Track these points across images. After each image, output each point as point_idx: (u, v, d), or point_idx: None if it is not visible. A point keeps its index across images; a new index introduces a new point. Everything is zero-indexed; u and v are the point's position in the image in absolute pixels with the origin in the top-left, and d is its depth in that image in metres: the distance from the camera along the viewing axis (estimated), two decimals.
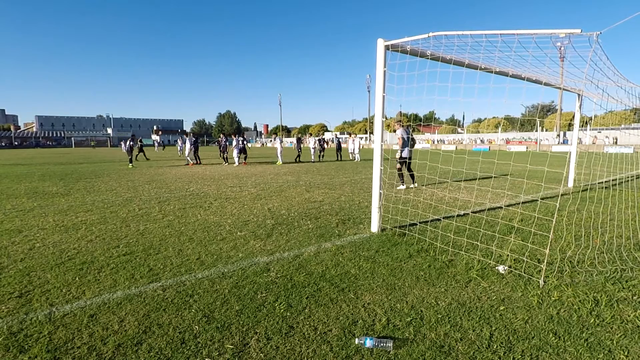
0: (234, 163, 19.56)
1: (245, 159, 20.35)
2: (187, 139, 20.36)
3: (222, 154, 20.99)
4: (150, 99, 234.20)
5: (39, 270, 3.91)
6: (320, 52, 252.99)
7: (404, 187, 9.70)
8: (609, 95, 5.96)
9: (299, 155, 22.32)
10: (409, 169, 9.94)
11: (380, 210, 5.33)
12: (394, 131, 10.34)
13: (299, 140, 23.64)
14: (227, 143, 20.76)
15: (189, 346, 2.54)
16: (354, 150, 24.16)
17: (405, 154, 9.66)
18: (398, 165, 9.81)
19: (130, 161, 19.56)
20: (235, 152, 19.56)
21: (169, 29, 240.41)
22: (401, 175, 9.87)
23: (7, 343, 2.58)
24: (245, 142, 20.70)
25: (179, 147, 28.45)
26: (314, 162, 21.85)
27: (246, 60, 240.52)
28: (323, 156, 24.45)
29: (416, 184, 10.05)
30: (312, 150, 23.49)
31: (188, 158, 19.95)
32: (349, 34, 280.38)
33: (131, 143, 19.63)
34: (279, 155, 20.69)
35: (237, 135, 20.41)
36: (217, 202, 7.98)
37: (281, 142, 21.45)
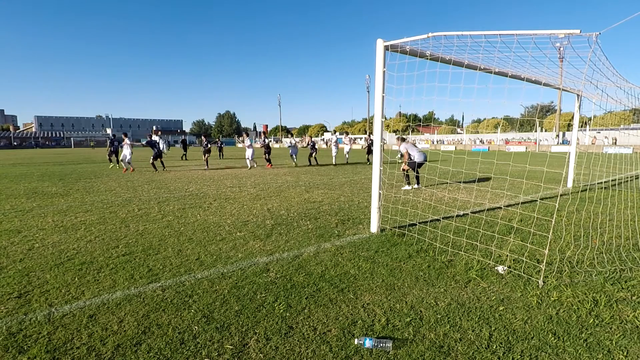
0: (247, 166, 17.23)
1: (269, 161, 17.76)
2: (125, 140, 16.15)
3: (205, 155, 18.69)
4: (150, 99, 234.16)
5: (38, 271, 3.90)
6: (319, 52, 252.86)
7: (410, 187, 9.67)
8: (608, 96, 5.98)
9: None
10: (417, 172, 9.91)
11: (379, 211, 5.33)
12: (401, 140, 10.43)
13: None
14: (209, 144, 18.55)
15: (189, 346, 2.54)
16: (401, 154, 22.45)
17: (418, 158, 9.64)
18: (405, 167, 9.76)
19: (111, 161, 18.38)
20: (249, 153, 17.01)
21: (168, 29, 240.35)
22: (407, 176, 9.83)
23: (6, 344, 2.57)
24: (269, 142, 18.49)
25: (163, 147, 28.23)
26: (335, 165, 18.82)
27: (246, 60, 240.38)
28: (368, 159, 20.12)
29: (420, 185, 10.04)
30: (334, 151, 19.74)
31: (126, 162, 15.86)
32: (348, 34, 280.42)
33: (115, 144, 17.77)
34: (294, 157, 18.69)
35: (239, 137, 19.91)
36: (217, 202, 7.98)
37: (293, 144, 19.26)
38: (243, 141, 18.08)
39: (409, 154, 9.75)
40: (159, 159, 15.69)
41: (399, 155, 10.51)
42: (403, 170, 9.84)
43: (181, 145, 26.92)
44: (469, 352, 2.48)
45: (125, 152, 15.68)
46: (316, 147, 19.40)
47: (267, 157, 17.57)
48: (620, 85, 5.62)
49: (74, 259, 4.28)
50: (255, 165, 16.64)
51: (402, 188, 9.62)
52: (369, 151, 19.60)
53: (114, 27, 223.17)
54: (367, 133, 23.36)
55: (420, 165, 9.79)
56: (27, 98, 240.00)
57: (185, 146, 26.74)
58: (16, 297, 3.30)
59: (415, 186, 9.92)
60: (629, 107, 6.86)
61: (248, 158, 17.00)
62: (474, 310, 3.03)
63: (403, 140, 10.22)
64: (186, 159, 24.99)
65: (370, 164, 17.30)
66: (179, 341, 2.60)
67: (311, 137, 21.65)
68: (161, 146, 27.79)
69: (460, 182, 10.48)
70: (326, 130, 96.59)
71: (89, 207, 7.42)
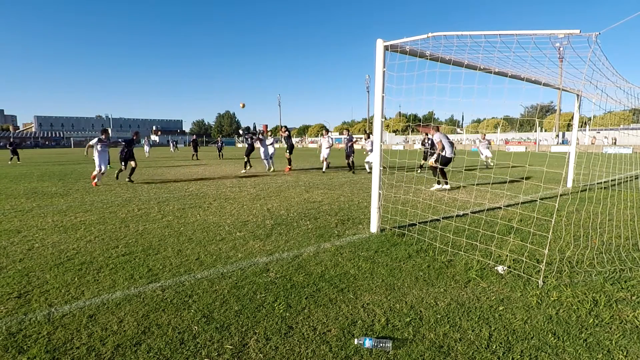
0: (268, 167, 14.88)
1: (289, 163, 15.11)
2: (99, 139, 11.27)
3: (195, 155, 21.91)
4: (150, 99, 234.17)
5: (38, 271, 3.90)
6: (319, 53, 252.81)
7: (449, 186, 9.09)
8: (607, 96, 5.98)
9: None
10: (443, 173, 9.25)
11: (379, 211, 5.33)
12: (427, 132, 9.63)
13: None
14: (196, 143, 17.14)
15: (188, 346, 2.54)
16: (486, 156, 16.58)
17: (449, 153, 9.03)
18: (433, 164, 9.10)
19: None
20: (270, 151, 14.84)
21: (168, 30, 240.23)
22: (443, 174, 9.14)
23: (6, 344, 2.57)
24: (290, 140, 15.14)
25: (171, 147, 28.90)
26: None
27: (245, 60, 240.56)
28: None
29: (439, 186, 9.45)
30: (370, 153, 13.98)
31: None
32: (348, 35, 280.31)
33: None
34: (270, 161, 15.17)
35: (239, 137, 18.92)
36: (217, 202, 7.98)
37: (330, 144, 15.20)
38: (262, 139, 14.89)
39: (442, 146, 9.00)
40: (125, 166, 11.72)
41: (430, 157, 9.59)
42: (431, 167, 9.09)
43: (192, 145, 27.11)
44: (468, 352, 2.48)
45: (95, 157, 11.00)
46: (354, 146, 15.22)
47: (288, 158, 14.82)
48: (620, 85, 5.62)
49: (74, 259, 4.28)
50: (273, 168, 14.66)
51: (438, 188, 8.83)
52: (426, 157, 16.27)
53: (114, 27, 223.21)
54: (424, 136, 15.69)
55: (448, 161, 9.05)
56: (27, 98, 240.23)
57: (196, 146, 27.05)
58: (16, 297, 3.30)
59: (437, 186, 9.21)
60: (628, 107, 6.86)
61: (267, 159, 14.77)
62: (473, 310, 3.03)
63: (437, 129, 9.58)
64: (197, 159, 25.51)
65: (428, 170, 12.08)
66: (179, 341, 2.60)
67: (349, 131, 16.31)
68: (146, 148, 25.33)
69: (460, 183, 10.48)
70: (326, 130, 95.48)
71: (89, 207, 7.42)
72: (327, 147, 15.17)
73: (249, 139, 15.03)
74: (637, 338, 2.64)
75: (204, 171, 16.01)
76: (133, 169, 11.68)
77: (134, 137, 12.28)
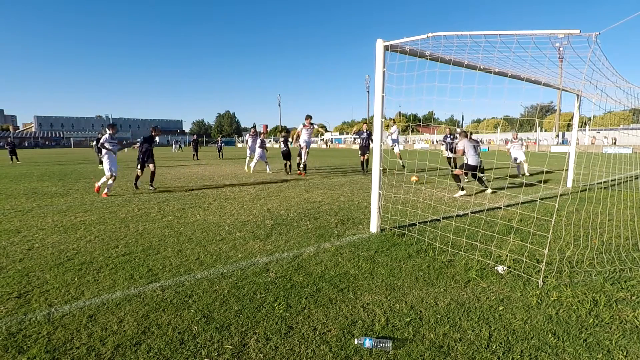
0: (267, 170, 14.34)
1: (304, 168, 13.52)
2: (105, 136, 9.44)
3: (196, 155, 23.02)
4: (150, 99, 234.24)
5: (38, 271, 3.90)
6: (319, 53, 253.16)
7: (464, 192, 8.76)
8: (607, 96, 5.98)
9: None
10: (474, 176, 8.92)
11: (379, 211, 5.33)
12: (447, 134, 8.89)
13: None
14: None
15: (188, 346, 2.54)
16: (516, 159, 13.06)
17: (472, 161, 8.66)
18: (459, 171, 8.78)
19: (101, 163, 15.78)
20: (257, 153, 14.25)
21: (168, 30, 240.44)
22: (456, 177, 8.93)
23: (5, 344, 2.57)
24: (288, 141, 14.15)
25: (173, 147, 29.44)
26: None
27: (245, 61, 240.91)
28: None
29: (488, 188, 8.98)
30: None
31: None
32: (348, 35, 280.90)
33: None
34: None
35: (239, 137, 18.10)
36: (217, 202, 7.98)
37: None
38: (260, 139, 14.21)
39: (464, 153, 8.69)
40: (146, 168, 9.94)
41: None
42: (454, 175, 8.85)
43: (192, 145, 27.30)
44: (468, 352, 2.48)
45: (105, 160, 8.99)
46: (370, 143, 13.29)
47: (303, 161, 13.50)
48: (620, 85, 5.62)
49: (74, 259, 4.28)
50: (270, 171, 14.28)
51: (454, 195, 8.63)
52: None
53: (114, 27, 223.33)
54: (449, 130, 13.84)
55: (472, 168, 8.76)
56: (27, 98, 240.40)
57: (197, 146, 27.29)
58: (16, 297, 3.30)
59: (488, 191, 8.84)
60: (628, 107, 6.86)
61: (265, 160, 14.26)
62: (473, 310, 3.03)
63: (465, 135, 9.18)
64: (197, 159, 25.78)
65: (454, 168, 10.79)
66: (179, 341, 2.60)
67: (365, 125, 14.53)
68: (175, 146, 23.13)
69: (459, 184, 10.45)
70: (326, 130, 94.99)
71: (89, 207, 7.42)
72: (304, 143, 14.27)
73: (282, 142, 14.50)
74: (637, 338, 2.64)
75: (204, 171, 16.01)
76: (153, 174, 9.96)
77: (153, 134, 9.90)
